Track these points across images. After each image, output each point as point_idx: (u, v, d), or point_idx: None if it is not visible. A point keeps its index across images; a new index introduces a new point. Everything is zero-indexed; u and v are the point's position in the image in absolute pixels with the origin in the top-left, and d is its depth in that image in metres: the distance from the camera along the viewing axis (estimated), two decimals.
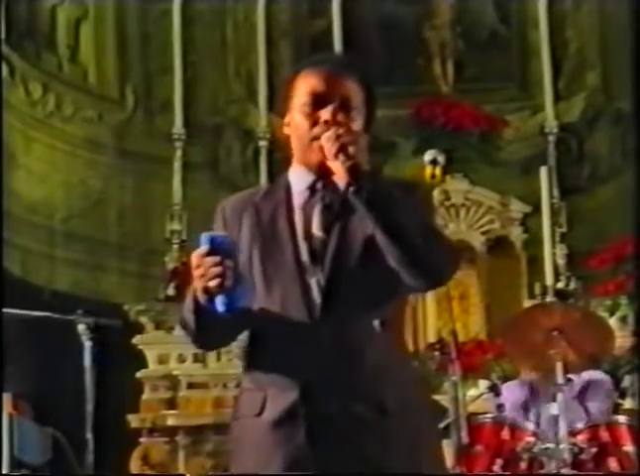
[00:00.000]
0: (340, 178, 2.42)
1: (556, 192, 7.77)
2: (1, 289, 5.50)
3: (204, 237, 2.35)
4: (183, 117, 8.03)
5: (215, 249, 2.33)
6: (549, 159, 7.93)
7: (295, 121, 2.55)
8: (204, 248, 2.33)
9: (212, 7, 8.50)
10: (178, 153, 7.98)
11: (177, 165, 7.94)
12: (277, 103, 8.17)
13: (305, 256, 2.49)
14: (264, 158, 8.08)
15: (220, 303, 2.33)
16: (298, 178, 2.56)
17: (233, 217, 2.60)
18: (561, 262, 7.53)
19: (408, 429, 2.44)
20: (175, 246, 7.73)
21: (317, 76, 2.53)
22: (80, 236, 7.89)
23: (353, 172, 2.38)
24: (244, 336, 2.57)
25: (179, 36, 8.11)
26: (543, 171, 7.56)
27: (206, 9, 8.46)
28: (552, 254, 7.43)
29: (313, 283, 2.47)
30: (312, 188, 2.53)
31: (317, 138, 2.46)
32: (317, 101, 2.51)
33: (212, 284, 2.32)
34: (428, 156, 4.46)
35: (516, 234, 7.77)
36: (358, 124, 2.51)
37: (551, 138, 8.03)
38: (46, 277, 7.61)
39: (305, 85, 2.54)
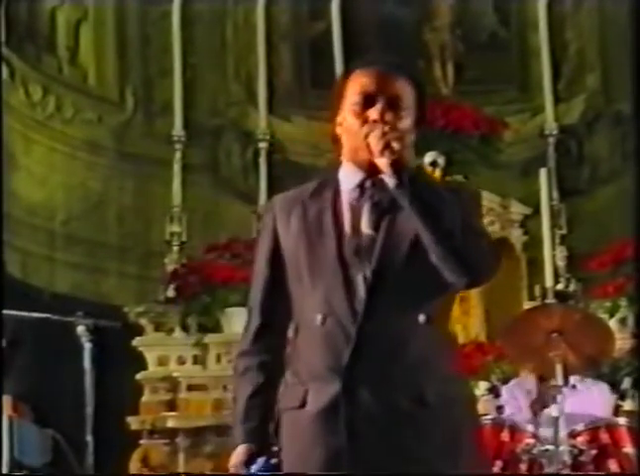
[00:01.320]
0: (386, 174, 2.48)
1: (556, 194, 7.78)
2: (1, 290, 5.49)
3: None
4: (183, 119, 8.03)
5: None
6: (549, 161, 7.93)
7: (347, 120, 2.60)
8: None
9: (212, 9, 8.50)
10: (178, 155, 7.98)
11: (177, 166, 7.94)
12: (277, 106, 8.23)
13: (350, 252, 2.54)
14: (263, 159, 8.08)
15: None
16: (348, 177, 2.62)
17: (282, 213, 2.65)
18: (561, 264, 7.53)
19: (447, 423, 2.49)
20: (175, 248, 7.73)
21: (368, 76, 2.61)
22: (80, 238, 7.90)
23: (396, 167, 2.45)
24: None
25: (179, 38, 8.11)
26: (543, 173, 7.56)
27: (206, 11, 8.46)
28: (552, 256, 7.43)
29: (359, 278, 2.52)
30: (361, 187, 2.59)
31: (367, 136, 2.52)
32: (367, 100, 2.58)
33: None
34: (428, 158, 4.47)
35: (516, 236, 7.77)
36: (406, 123, 2.57)
37: (551, 140, 8.03)
38: (45, 279, 7.61)
39: (356, 85, 2.61)
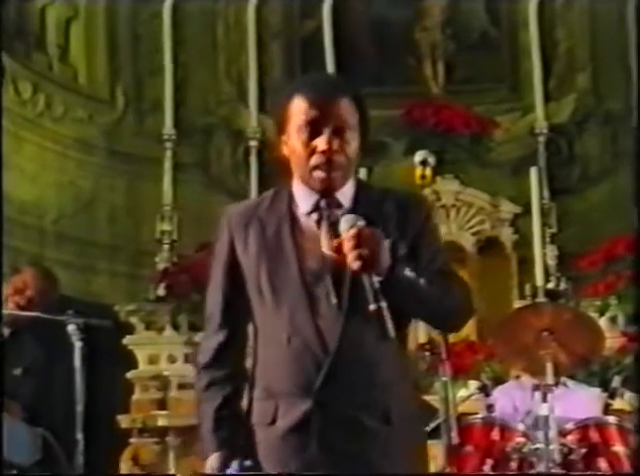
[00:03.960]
0: (352, 267, 2.47)
1: (546, 193, 7.78)
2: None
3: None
4: (174, 118, 8.02)
5: None
6: (539, 160, 7.93)
7: (293, 146, 2.63)
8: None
9: (203, 8, 8.49)
10: (169, 153, 7.96)
11: (168, 165, 7.93)
12: (268, 105, 8.23)
13: (312, 273, 2.58)
14: (254, 158, 8.07)
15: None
16: (302, 198, 2.66)
17: (239, 229, 2.68)
18: (551, 262, 7.54)
19: (407, 438, 2.60)
20: (166, 246, 7.72)
21: (310, 103, 2.60)
22: (71, 236, 7.89)
23: (366, 265, 2.45)
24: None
25: (170, 36, 8.10)
26: (533, 171, 7.57)
27: (197, 10, 8.45)
28: (542, 255, 7.43)
29: (322, 299, 2.56)
30: (317, 207, 2.64)
31: (316, 167, 2.58)
32: (313, 128, 2.59)
33: None
34: (418, 157, 4.45)
35: (507, 235, 7.78)
36: (353, 146, 2.61)
37: (541, 139, 8.03)
38: None
39: (299, 113, 2.61)
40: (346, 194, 2.64)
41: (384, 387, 2.57)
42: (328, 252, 2.56)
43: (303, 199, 2.65)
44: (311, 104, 2.60)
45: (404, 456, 2.58)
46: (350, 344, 2.54)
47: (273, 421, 2.58)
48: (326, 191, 2.61)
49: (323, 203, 2.63)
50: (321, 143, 2.57)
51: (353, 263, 2.44)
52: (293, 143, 2.62)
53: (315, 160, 2.58)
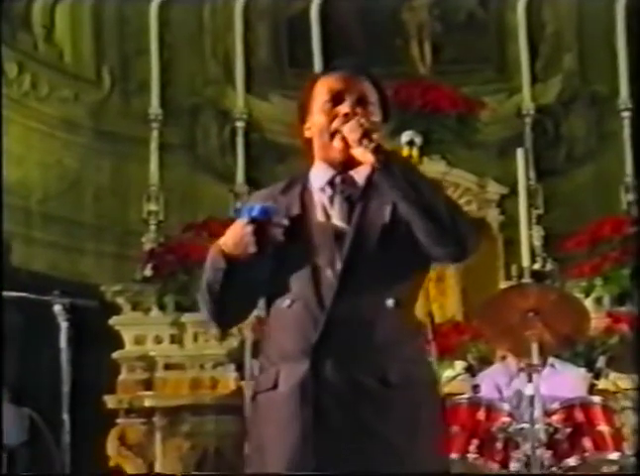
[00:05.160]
0: (365, 161, 2.60)
1: (532, 174, 7.80)
2: (1, 275, 5.47)
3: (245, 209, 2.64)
4: (160, 98, 8.00)
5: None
6: (526, 141, 7.95)
7: (316, 120, 2.73)
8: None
9: None
10: (155, 134, 7.95)
11: (154, 145, 7.92)
12: (255, 85, 8.21)
13: (319, 243, 2.66)
14: (241, 139, 8.06)
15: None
16: (318, 175, 2.75)
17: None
18: (537, 244, 7.56)
19: (407, 402, 2.59)
20: (152, 227, 7.72)
21: (334, 78, 2.74)
22: (57, 217, 7.87)
23: (378, 152, 2.56)
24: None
25: (156, 16, 8.07)
26: (520, 153, 7.57)
27: None
28: (528, 236, 7.45)
29: (327, 268, 2.63)
30: (331, 183, 2.72)
31: (337, 131, 2.66)
32: (336, 99, 2.71)
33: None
34: (405, 137, 4.45)
35: (493, 216, 7.79)
36: (376, 117, 2.71)
37: (528, 120, 8.05)
38: (22, 258, 7.58)
39: (323, 87, 2.74)
40: (361, 173, 2.70)
41: (382, 348, 2.58)
42: (340, 224, 2.65)
43: (319, 175, 2.73)
44: (334, 80, 2.73)
45: (404, 420, 2.57)
46: (346, 304, 2.58)
47: (275, 386, 2.62)
48: (345, 163, 2.68)
49: (338, 180, 2.71)
50: (344, 108, 2.67)
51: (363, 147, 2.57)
52: (316, 119, 2.71)
53: (337, 123, 2.65)
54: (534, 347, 4.78)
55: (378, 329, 2.60)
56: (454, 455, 4.76)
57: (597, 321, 6.40)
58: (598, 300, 6.95)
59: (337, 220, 2.68)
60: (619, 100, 7.83)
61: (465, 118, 7.95)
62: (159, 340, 7.20)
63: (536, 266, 7.41)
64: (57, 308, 4.14)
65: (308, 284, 2.63)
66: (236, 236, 2.65)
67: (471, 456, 4.78)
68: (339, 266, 2.62)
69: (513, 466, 4.76)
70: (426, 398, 2.65)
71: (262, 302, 2.76)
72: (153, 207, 7.76)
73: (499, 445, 4.80)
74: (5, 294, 4.80)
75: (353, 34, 8.41)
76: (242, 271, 2.63)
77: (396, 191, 2.57)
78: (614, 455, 4.83)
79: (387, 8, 8.47)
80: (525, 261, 7.36)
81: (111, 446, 6.95)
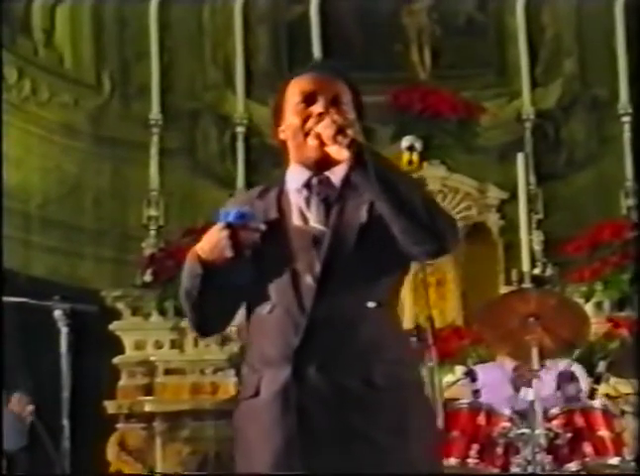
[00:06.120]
0: (341, 158, 2.56)
1: (532, 179, 7.80)
2: (1, 279, 5.47)
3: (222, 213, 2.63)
4: (160, 103, 8.00)
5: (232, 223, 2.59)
6: (526, 145, 7.95)
7: (289, 122, 2.70)
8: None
9: None
10: (155, 138, 7.95)
11: (154, 150, 7.92)
12: (255, 90, 8.21)
13: (297, 246, 2.63)
14: (241, 143, 8.06)
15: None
16: (294, 177, 2.72)
17: None
18: (537, 248, 7.56)
19: (395, 404, 2.56)
20: (152, 232, 7.71)
21: (306, 79, 2.72)
22: (56, 221, 7.86)
23: (354, 148, 2.52)
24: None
25: (156, 21, 8.07)
26: (520, 157, 7.57)
27: None
28: (528, 240, 7.45)
29: (306, 271, 2.60)
30: (308, 185, 2.69)
31: (311, 130, 2.62)
32: (309, 100, 2.68)
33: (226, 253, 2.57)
34: (405, 142, 4.46)
35: (493, 220, 7.79)
36: (351, 114, 2.67)
37: (528, 124, 8.05)
38: (22, 262, 7.57)
39: (295, 89, 2.71)
40: (337, 174, 2.68)
41: (366, 350, 2.55)
42: (317, 226, 2.63)
43: (295, 177, 2.71)
44: (307, 82, 2.71)
45: (391, 422, 2.54)
46: (327, 307, 2.55)
47: (257, 394, 2.59)
48: (321, 164, 2.65)
49: (315, 181, 2.68)
50: (317, 108, 2.64)
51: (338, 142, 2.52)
52: (290, 120, 2.69)
53: (311, 122, 2.62)
54: (534, 352, 4.77)
55: (361, 331, 2.56)
56: (454, 460, 4.76)
57: (598, 326, 6.41)
58: (599, 305, 6.95)
59: (314, 222, 2.65)
60: (619, 105, 7.83)
61: (465, 123, 7.95)
62: (159, 345, 7.20)
63: (536, 270, 7.41)
64: (57, 314, 4.14)
65: (288, 289, 2.60)
66: (212, 241, 2.64)
67: (471, 461, 4.78)
68: (318, 269, 2.59)
69: (514, 471, 4.75)
70: (413, 399, 2.61)
71: (242, 310, 2.73)
72: (153, 212, 7.75)
73: (500, 450, 4.80)
74: (5, 299, 4.79)
75: (352, 38, 8.41)
76: (219, 276, 2.60)
77: (371, 189, 2.52)
78: (615, 460, 4.82)
79: (387, 12, 8.48)
80: (525, 265, 7.35)
81: (111, 452, 6.94)
